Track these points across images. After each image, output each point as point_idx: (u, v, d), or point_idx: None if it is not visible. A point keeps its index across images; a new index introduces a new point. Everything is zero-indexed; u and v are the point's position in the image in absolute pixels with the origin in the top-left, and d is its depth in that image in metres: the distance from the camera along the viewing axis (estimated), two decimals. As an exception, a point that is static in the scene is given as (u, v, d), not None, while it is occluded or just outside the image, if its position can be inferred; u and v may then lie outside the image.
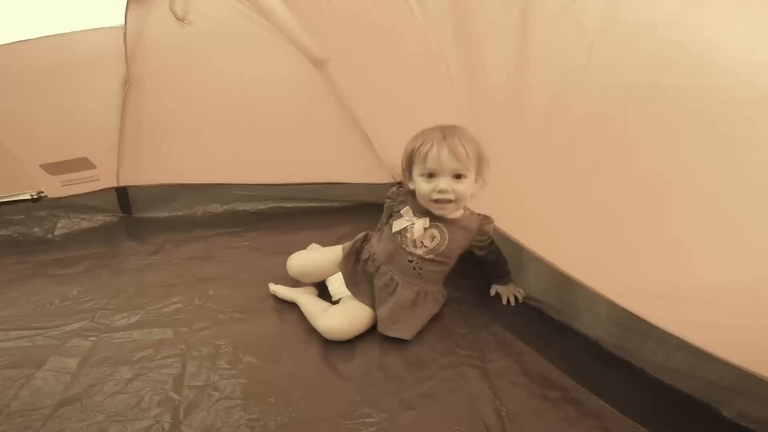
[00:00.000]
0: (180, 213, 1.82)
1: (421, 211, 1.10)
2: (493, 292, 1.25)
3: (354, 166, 1.74)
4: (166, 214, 1.83)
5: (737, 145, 0.68)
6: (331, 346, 1.06)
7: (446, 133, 1.02)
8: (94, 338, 1.11)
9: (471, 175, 1.04)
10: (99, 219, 1.79)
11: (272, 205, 1.83)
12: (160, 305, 1.23)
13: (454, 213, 1.10)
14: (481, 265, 1.25)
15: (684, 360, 0.88)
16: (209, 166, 1.77)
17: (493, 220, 1.16)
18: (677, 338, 0.86)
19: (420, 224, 1.09)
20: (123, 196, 1.81)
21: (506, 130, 1.12)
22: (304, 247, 1.41)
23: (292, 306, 1.20)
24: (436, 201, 1.04)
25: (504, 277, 1.24)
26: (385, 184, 1.74)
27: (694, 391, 0.89)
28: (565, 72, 0.90)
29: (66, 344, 1.10)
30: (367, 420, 0.86)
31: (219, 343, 1.08)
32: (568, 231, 1.05)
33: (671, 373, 0.91)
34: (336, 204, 1.83)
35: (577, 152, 0.95)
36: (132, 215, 1.83)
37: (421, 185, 1.05)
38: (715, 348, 0.82)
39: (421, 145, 1.03)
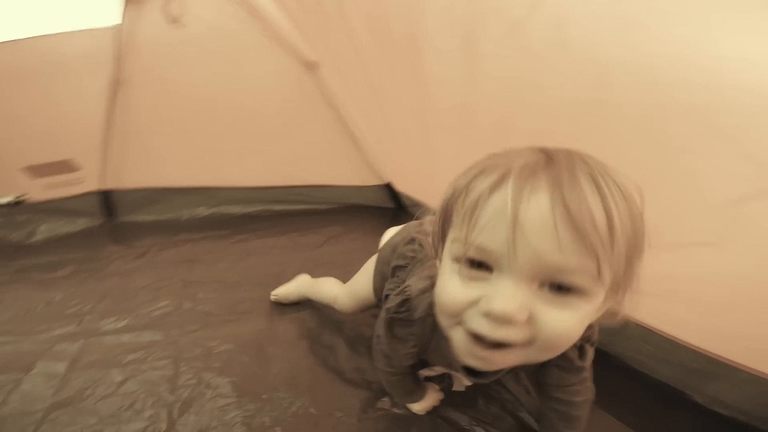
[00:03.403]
0: (165, 216, 1.80)
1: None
2: None
3: (342, 169, 1.75)
4: (151, 218, 1.80)
5: (682, 153, 0.72)
6: (321, 344, 1.08)
7: (553, 158, 0.44)
8: (81, 342, 1.10)
9: (599, 291, 0.44)
10: (81, 223, 1.76)
11: (260, 208, 1.82)
12: (148, 309, 1.23)
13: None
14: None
15: (659, 345, 0.90)
16: (196, 169, 1.76)
17: (596, 339, 0.66)
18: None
19: (461, 381, 0.83)
20: (107, 199, 1.78)
21: (456, 153, 1.15)
22: (291, 249, 1.46)
23: (282, 307, 1.21)
24: (477, 339, 0.47)
25: None
26: (373, 186, 1.78)
27: (668, 378, 0.91)
28: (514, 90, 0.94)
29: (53, 348, 1.08)
30: (363, 415, 0.88)
31: (210, 344, 1.08)
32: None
33: (647, 359, 0.93)
34: (324, 206, 1.84)
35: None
36: (116, 219, 1.81)
37: (449, 285, 0.48)
38: (687, 337, 0.85)
39: (472, 183, 0.46)
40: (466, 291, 0.46)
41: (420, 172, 1.45)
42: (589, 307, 0.44)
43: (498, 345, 0.46)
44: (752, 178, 0.65)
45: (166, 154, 1.72)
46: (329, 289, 1.13)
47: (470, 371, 0.65)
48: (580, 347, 0.65)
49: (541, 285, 0.43)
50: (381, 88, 1.38)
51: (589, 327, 0.60)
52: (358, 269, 1.35)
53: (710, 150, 0.68)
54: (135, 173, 1.75)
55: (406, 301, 0.68)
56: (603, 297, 0.45)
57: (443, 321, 0.52)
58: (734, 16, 0.62)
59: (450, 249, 0.49)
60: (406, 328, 0.69)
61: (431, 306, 0.59)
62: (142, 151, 1.70)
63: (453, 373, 0.79)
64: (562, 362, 0.66)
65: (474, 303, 0.46)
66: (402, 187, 1.74)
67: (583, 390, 0.70)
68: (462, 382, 0.82)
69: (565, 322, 0.44)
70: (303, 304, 1.22)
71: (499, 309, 0.43)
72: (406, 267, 0.78)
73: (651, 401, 0.90)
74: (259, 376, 0.98)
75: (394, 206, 1.84)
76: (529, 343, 0.45)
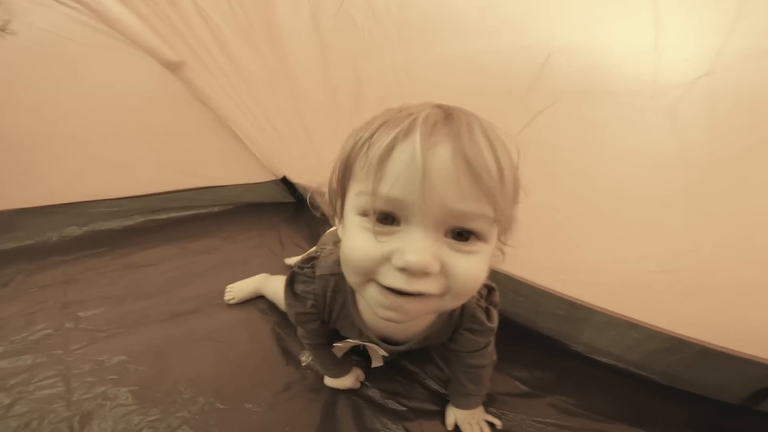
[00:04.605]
0: (29, 241, 1.63)
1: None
2: (450, 424, 0.84)
3: (229, 168, 1.71)
4: (10, 245, 1.61)
5: (470, 96, 0.80)
6: (221, 342, 1.09)
7: (451, 114, 0.47)
8: (-48, 375, 1.00)
9: (494, 234, 0.49)
10: None
11: (141, 219, 1.72)
12: (24, 334, 1.14)
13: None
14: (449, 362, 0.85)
15: (529, 296, 0.98)
16: (57, 185, 1.61)
17: (497, 301, 0.72)
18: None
19: (377, 353, 0.76)
20: (-54, 230, 1.56)
21: (327, 130, 1.20)
22: (181, 255, 1.44)
23: (179, 316, 1.19)
24: (392, 291, 0.48)
25: (472, 396, 0.83)
26: (266, 182, 1.77)
27: (546, 330, 0.99)
28: (355, 61, 1.02)
29: None
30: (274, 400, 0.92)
31: (101, 358, 1.05)
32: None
33: (524, 311, 1.01)
34: (215, 209, 1.78)
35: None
36: (-36, 251, 1.59)
37: (359, 242, 0.48)
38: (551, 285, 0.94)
39: (375, 136, 0.46)
40: (378, 246, 0.46)
41: (307, 158, 1.46)
42: (488, 249, 0.48)
43: (410, 298, 0.47)
44: (519, 108, 0.77)
45: (15, 172, 1.54)
46: (276, 287, 1.11)
47: (384, 340, 0.70)
48: (486, 309, 0.69)
49: (445, 234, 0.46)
50: (253, 80, 1.38)
51: (492, 290, 0.70)
52: (258, 266, 1.38)
53: (483, 91, 0.78)
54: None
55: (312, 258, 0.70)
56: (495, 238, 0.49)
57: (353, 279, 0.51)
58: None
59: (355, 203, 0.49)
60: (306, 285, 0.70)
61: (336, 264, 0.59)
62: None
63: (368, 345, 0.74)
64: (474, 325, 0.70)
65: (386, 258, 0.46)
66: (298, 178, 1.72)
67: (490, 353, 0.75)
68: (378, 352, 0.75)
69: (472, 267, 0.48)
70: (199, 310, 1.21)
71: (414, 261, 0.44)
72: None
73: (536, 354, 0.99)
74: (159, 381, 0.98)
75: (295, 200, 1.82)
76: (443, 293, 0.48)
